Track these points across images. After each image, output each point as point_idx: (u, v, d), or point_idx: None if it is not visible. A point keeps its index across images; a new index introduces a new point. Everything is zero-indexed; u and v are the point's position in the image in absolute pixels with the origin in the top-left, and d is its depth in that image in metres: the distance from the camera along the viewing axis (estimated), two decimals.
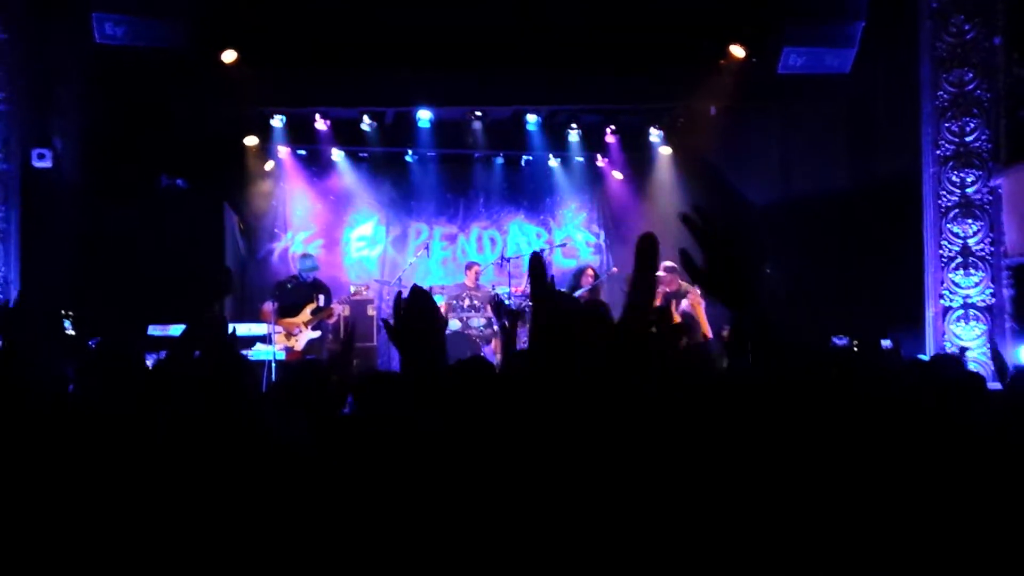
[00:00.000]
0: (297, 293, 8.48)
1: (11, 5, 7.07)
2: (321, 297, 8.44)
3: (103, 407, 3.30)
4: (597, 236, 11.52)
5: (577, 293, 8.88)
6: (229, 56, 8.75)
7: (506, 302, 9.39)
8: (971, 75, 7.65)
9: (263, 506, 2.67)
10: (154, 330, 7.21)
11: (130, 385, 3.49)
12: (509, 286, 9.62)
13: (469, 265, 10.03)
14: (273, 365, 7.63)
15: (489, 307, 8.70)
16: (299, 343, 8.27)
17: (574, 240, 11.38)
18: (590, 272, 8.61)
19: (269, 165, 10.72)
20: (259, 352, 7.79)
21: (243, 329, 8.23)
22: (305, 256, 9.12)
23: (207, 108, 9.07)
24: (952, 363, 5.31)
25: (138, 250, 8.42)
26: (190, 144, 9.19)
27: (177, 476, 2.79)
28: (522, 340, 8.89)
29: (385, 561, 2.51)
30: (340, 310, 8.87)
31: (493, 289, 9.80)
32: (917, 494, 2.33)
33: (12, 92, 7.09)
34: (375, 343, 10.05)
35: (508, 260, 9.95)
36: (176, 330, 6.91)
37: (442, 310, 9.48)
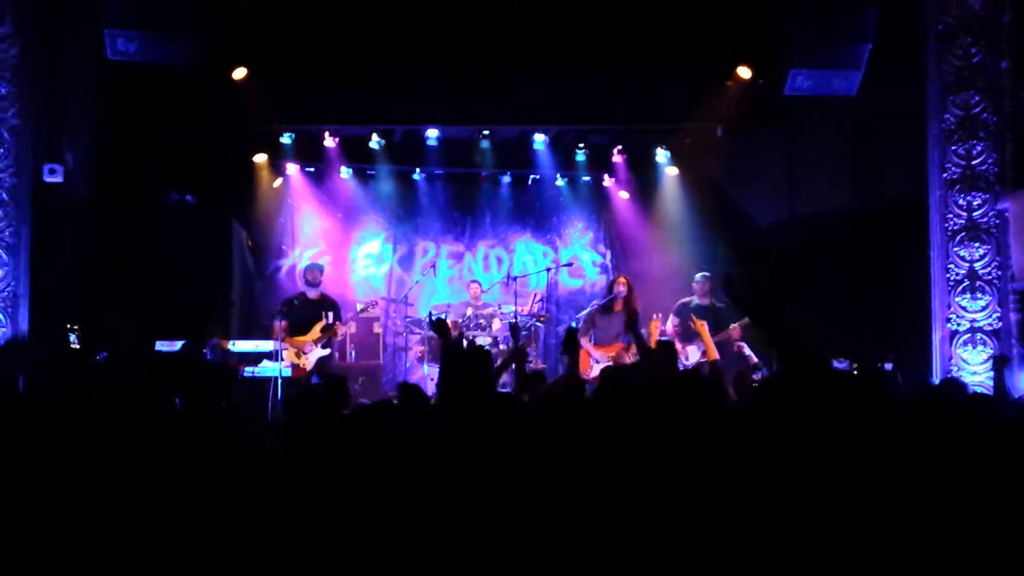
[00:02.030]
0: (305, 310, 8.43)
1: (24, 21, 7.13)
2: (330, 315, 8.41)
3: (109, 416, 3.33)
4: (603, 256, 11.53)
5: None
6: (239, 73, 8.83)
7: (523, 332, 9.39)
8: (978, 98, 7.66)
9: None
10: (161, 345, 7.26)
11: (136, 395, 3.52)
12: (515, 305, 9.63)
13: (470, 282, 10.08)
14: (279, 382, 7.63)
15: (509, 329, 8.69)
16: (308, 361, 8.24)
17: (580, 260, 11.39)
18: (622, 280, 8.61)
19: (277, 182, 10.76)
20: (265, 369, 7.79)
21: (249, 346, 8.25)
22: (308, 267, 9.11)
23: (217, 125, 9.12)
24: (957, 386, 5.30)
25: (147, 265, 8.46)
26: (199, 160, 9.25)
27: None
28: (529, 359, 8.86)
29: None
30: (345, 328, 8.85)
31: (499, 308, 9.81)
32: (922, 509, 2.33)
33: (24, 107, 7.13)
34: (381, 361, 10.06)
35: (514, 279, 9.97)
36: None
37: (450, 328, 9.47)
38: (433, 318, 5.36)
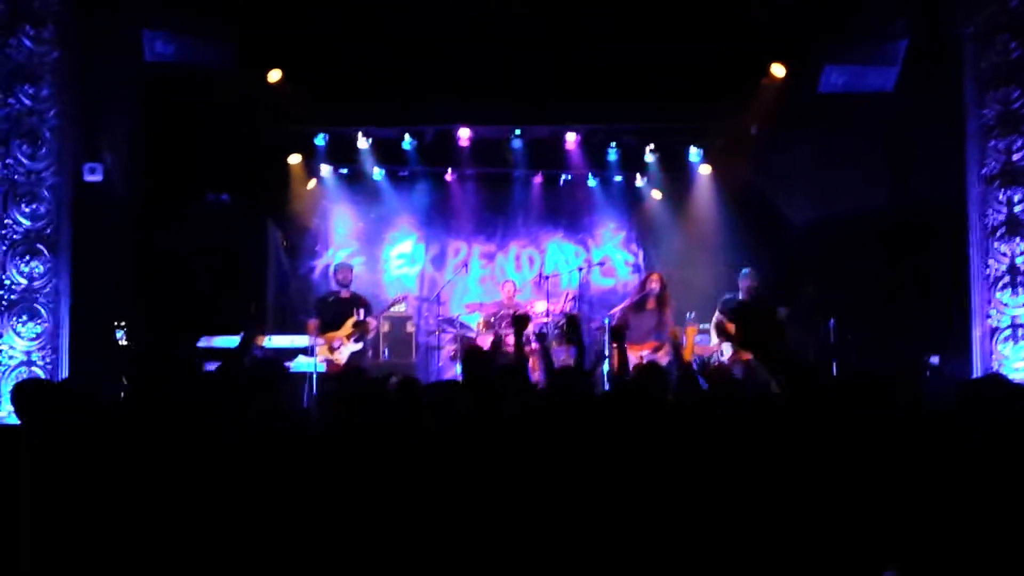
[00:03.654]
0: (338, 307, 8.57)
1: (64, 23, 7.25)
2: (362, 311, 8.51)
3: (156, 414, 3.38)
4: (636, 255, 11.51)
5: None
6: (274, 75, 8.92)
7: (544, 320, 9.41)
8: (1017, 93, 7.54)
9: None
10: (202, 342, 7.36)
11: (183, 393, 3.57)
12: (548, 304, 9.64)
13: (504, 282, 10.09)
14: (314, 377, 7.72)
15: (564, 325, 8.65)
16: (341, 356, 8.34)
17: (612, 259, 11.37)
18: (655, 277, 8.61)
19: (311, 183, 10.86)
20: (300, 364, 7.89)
21: (285, 341, 8.36)
22: (340, 265, 9.22)
23: (252, 126, 9.24)
24: (1001, 380, 5.23)
25: (185, 264, 8.57)
26: (235, 161, 9.36)
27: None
28: (559, 359, 8.90)
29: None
30: (377, 324, 8.93)
31: (532, 307, 9.82)
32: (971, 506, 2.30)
33: (64, 107, 7.26)
34: (413, 360, 10.10)
35: (546, 278, 9.97)
36: (222, 341, 7.01)
37: (480, 326, 9.51)
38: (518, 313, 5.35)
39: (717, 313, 8.55)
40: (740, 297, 8.57)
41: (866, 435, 2.73)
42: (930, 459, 2.47)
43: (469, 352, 5.25)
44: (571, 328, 4.68)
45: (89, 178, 7.47)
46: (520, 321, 5.18)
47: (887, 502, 2.36)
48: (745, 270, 8.71)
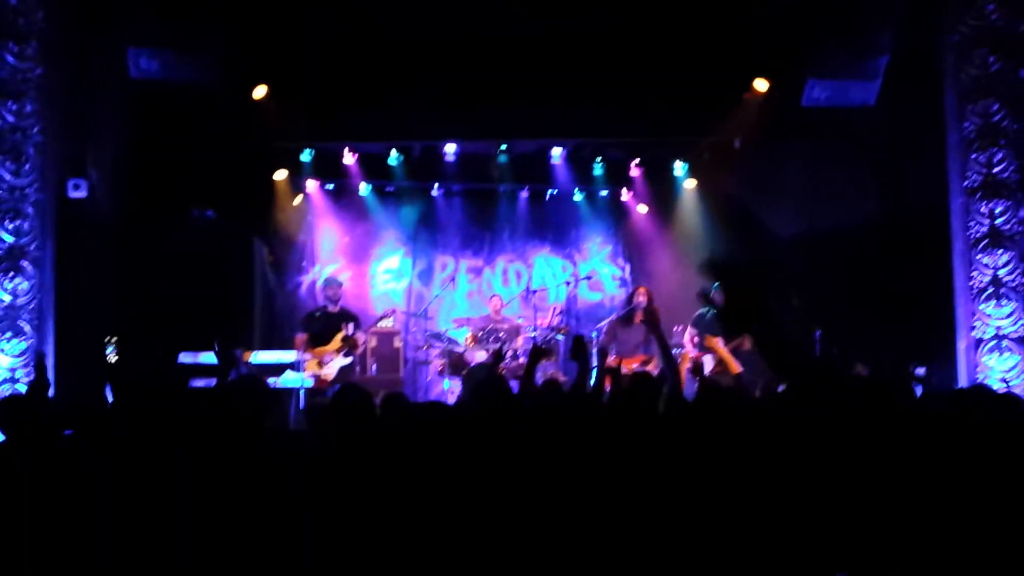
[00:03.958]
0: (327, 322, 8.55)
1: (48, 40, 7.24)
2: (351, 325, 8.50)
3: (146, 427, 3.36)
4: (623, 269, 11.53)
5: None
6: (260, 91, 8.93)
7: (531, 335, 9.40)
8: (997, 106, 7.63)
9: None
10: (185, 357, 7.32)
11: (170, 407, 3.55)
12: (535, 319, 9.64)
13: (491, 296, 10.09)
14: (302, 392, 7.69)
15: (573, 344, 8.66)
16: (331, 371, 8.31)
17: (599, 273, 11.39)
18: (643, 291, 8.66)
19: (298, 199, 10.85)
20: (287, 380, 7.85)
21: (272, 356, 8.34)
22: (328, 280, 9.20)
23: (238, 142, 9.22)
24: (986, 390, 5.26)
25: (170, 280, 8.53)
26: (221, 177, 9.33)
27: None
28: (548, 372, 8.88)
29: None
30: (366, 339, 8.90)
31: (518, 320, 9.82)
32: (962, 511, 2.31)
33: (48, 123, 7.24)
34: (401, 375, 10.07)
35: (533, 293, 9.97)
36: (207, 358, 6.96)
37: (468, 341, 9.50)
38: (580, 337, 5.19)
39: (690, 328, 8.57)
40: (713, 311, 8.58)
41: (859, 439, 2.74)
42: (919, 463, 2.48)
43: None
44: (578, 347, 4.63)
45: (74, 194, 7.45)
46: (537, 353, 5.11)
47: (873, 505, 2.37)
48: (718, 284, 8.73)
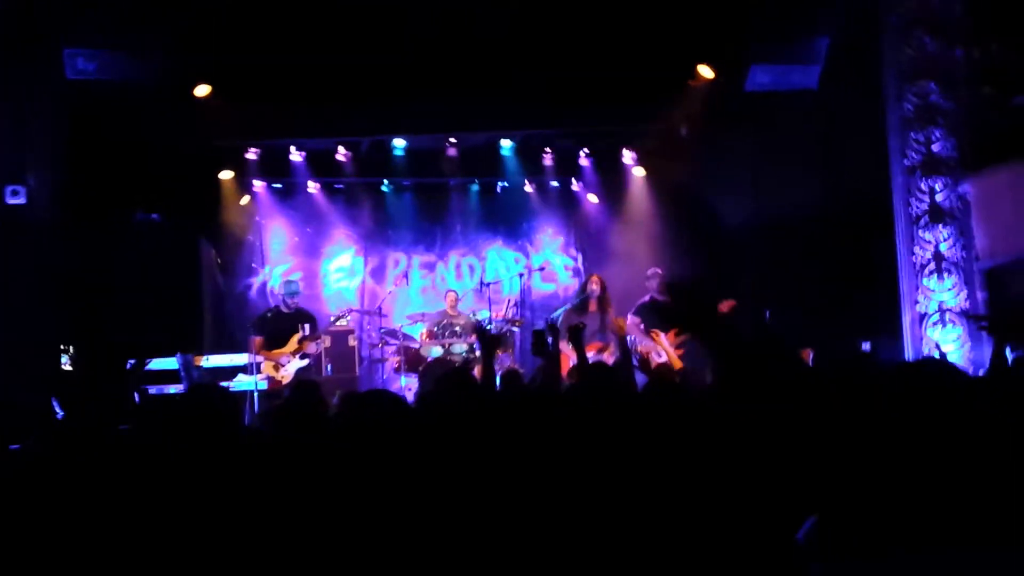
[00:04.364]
0: (280, 323, 8.38)
1: None
2: (307, 326, 8.36)
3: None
4: (575, 259, 11.58)
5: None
6: (202, 90, 8.78)
7: (488, 327, 9.38)
8: (933, 86, 7.80)
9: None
10: (132, 364, 7.14)
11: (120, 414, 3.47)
12: (489, 311, 9.63)
13: (446, 291, 10.06)
14: (255, 395, 7.57)
15: (473, 335, 8.73)
16: (288, 373, 8.17)
17: (552, 264, 11.43)
18: (596, 279, 8.72)
19: (245, 199, 10.70)
20: (241, 383, 7.73)
21: (224, 360, 8.18)
22: (288, 282, 9.04)
23: (181, 142, 9.04)
24: (935, 362, 5.38)
25: (114, 285, 8.36)
26: (165, 178, 9.16)
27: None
28: (505, 364, 8.88)
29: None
30: (321, 341, 8.76)
31: (473, 315, 9.80)
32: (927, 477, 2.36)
33: None
34: (357, 374, 9.98)
35: (487, 286, 9.96)
36: (154, 364, 6.76)
37: (424, 337, 9.46)
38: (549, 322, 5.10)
39: (631, 316, 8.63)
40: (651, 296, 8.68)
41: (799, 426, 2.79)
42: (865, 436, 2.53)
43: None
44: (539, 342, 4.58)
45: (11, 200, 7.27)
46: (492, 343, 5.08)
47: (823, 478, 2.41)
48: (650, 270, 8.87)
